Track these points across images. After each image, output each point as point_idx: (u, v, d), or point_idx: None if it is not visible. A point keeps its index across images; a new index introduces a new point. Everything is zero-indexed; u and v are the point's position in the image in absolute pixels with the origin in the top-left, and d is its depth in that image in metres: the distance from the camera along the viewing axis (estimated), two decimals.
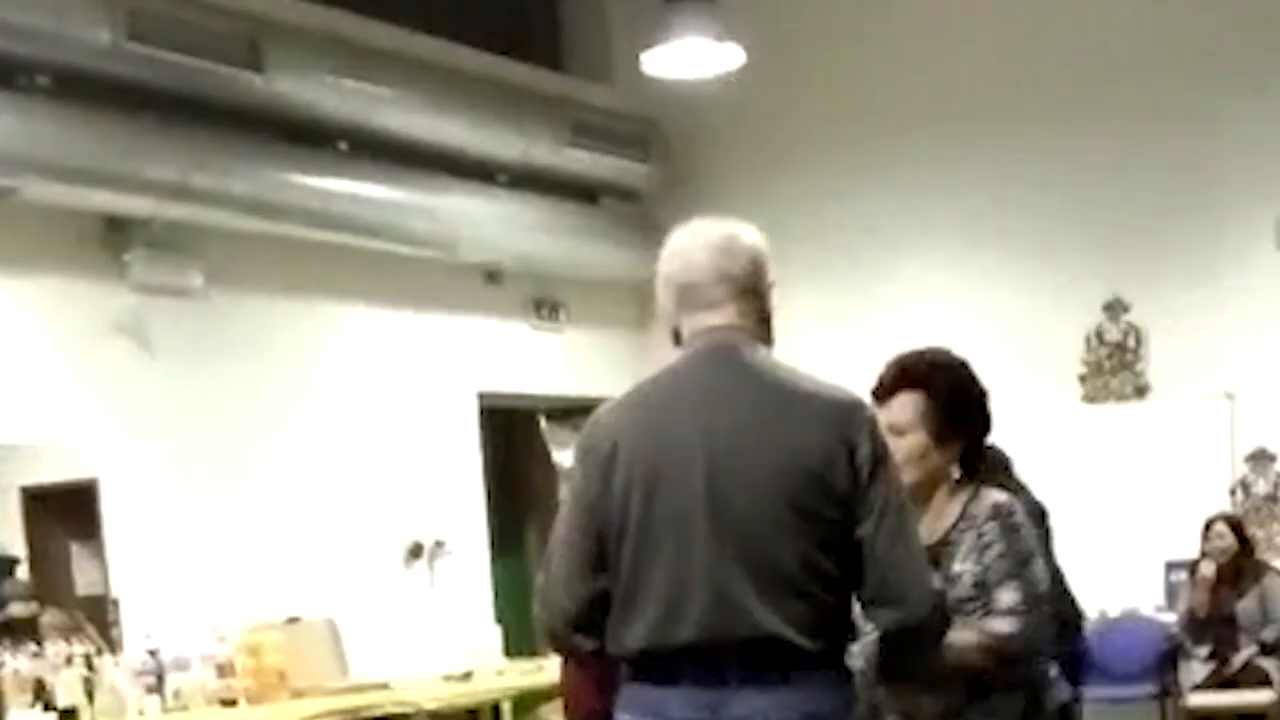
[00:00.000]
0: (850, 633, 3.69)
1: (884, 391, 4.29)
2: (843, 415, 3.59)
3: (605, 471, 3.64)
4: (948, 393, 4.30)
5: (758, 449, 3.55)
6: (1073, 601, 9.46)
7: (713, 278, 3.73)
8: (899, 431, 4.16)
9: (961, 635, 4.02)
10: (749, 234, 3.84)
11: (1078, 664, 9.69)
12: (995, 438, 4.37)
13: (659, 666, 3.58)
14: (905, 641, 3.67)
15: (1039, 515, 9.36)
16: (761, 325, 3.78)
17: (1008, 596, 4.14)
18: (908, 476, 3.96)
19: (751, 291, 3.77)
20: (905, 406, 4.26)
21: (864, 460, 3.55)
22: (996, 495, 4.29)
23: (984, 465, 9.57)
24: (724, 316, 3.73)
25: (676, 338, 3.81)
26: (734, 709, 3.51)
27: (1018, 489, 9.48)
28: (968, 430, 4.33)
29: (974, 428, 4.37)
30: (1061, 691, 4.38)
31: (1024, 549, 4.23)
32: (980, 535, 4.19)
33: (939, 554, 4.12)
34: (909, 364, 4.36)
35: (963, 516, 4.23)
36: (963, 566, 4.17)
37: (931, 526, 4.18)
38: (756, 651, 3.50)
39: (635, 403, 3.75)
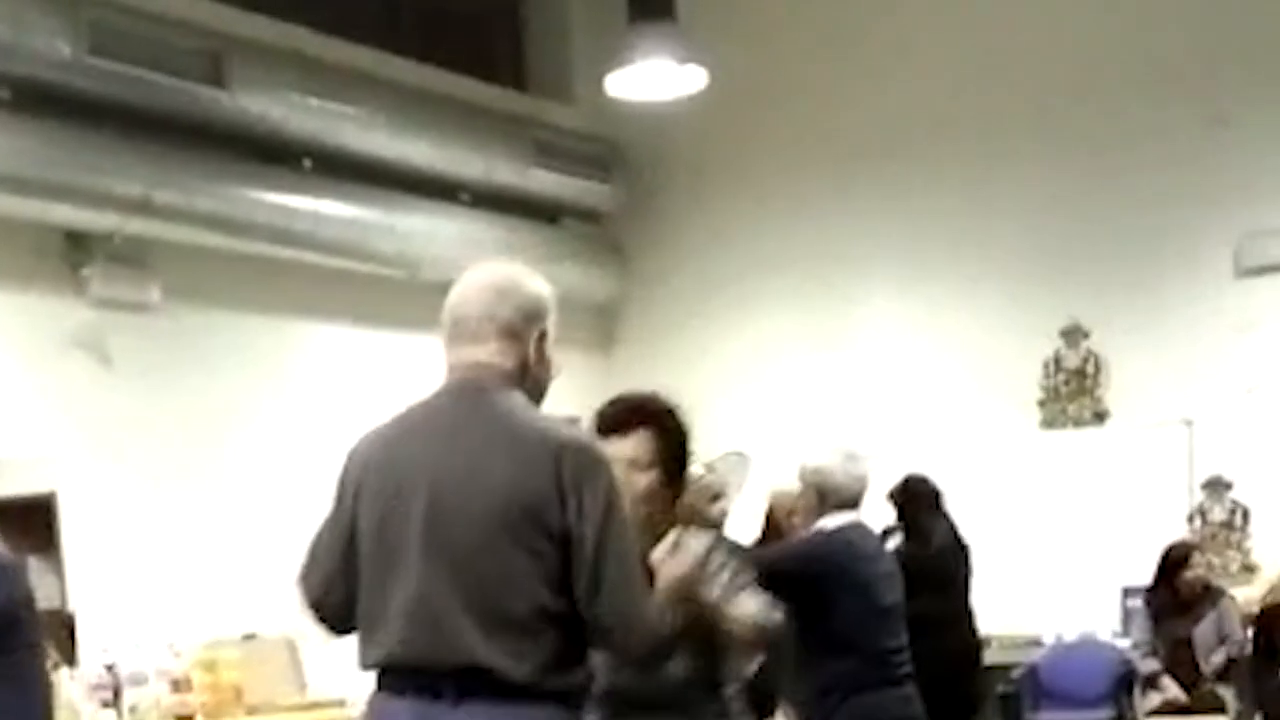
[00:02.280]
0: (578, 666, 3.75)
1: (616, 426, 4.37)
2: (567, 454, 3.68)
3: (351, 499, 3.85)
4: (679, 435, 4.41)
5: (479, 485, 3.65)
6: (974, 633, 9.55)
7: (478, 315, 3.85)
8: (640, 467, 4.27)
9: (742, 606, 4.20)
10: (534, 283, 3.95)
11: (971, 704, 9.69)
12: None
13: (391, 680, 3.75)
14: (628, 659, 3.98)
15: (962, 550, 9.43)
16: (520, 369, 3.86)
17: (754, 601, 4.29)
18: (643, 509, 4.12)
19: (514, 336, 3.86)
20: (644, 442, 4.34)
21: (587, 498, 3.64)
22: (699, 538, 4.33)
23: (909, 497, 9.64)
24: (481, 354, 3.84)
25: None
26: None
27: (939, 525, 9.54)
28: (681, 474, 4.44)
29: (683, 474, 4.48)
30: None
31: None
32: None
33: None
34: (644, 403, 4.47)
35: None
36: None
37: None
38: (472, 677, 3.62)
39: (384, 433, 3.90)
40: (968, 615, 9.48)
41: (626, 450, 4.20)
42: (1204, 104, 11.31)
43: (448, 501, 3.66)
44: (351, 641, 3.94)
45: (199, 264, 10.18)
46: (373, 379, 11.46)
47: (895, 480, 9.33)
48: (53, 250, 9.57)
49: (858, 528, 6.71)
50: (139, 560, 9.71)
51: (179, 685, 8.88)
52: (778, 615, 4.37)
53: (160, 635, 9.19)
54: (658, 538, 4.03)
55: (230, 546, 10.24)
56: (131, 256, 9.80)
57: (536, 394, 3.90)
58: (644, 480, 4.20)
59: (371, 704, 3.85)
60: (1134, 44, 11.61)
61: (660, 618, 3.82)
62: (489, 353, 3.83)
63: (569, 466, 3.65)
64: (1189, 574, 10.58)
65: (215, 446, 10.33)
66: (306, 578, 3.99)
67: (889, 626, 6.65)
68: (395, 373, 11.62)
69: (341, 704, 9.26)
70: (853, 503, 6.69)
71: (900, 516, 9.29)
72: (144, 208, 9.46)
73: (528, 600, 3.61)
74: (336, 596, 3.89)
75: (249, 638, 9.64)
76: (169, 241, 9.89)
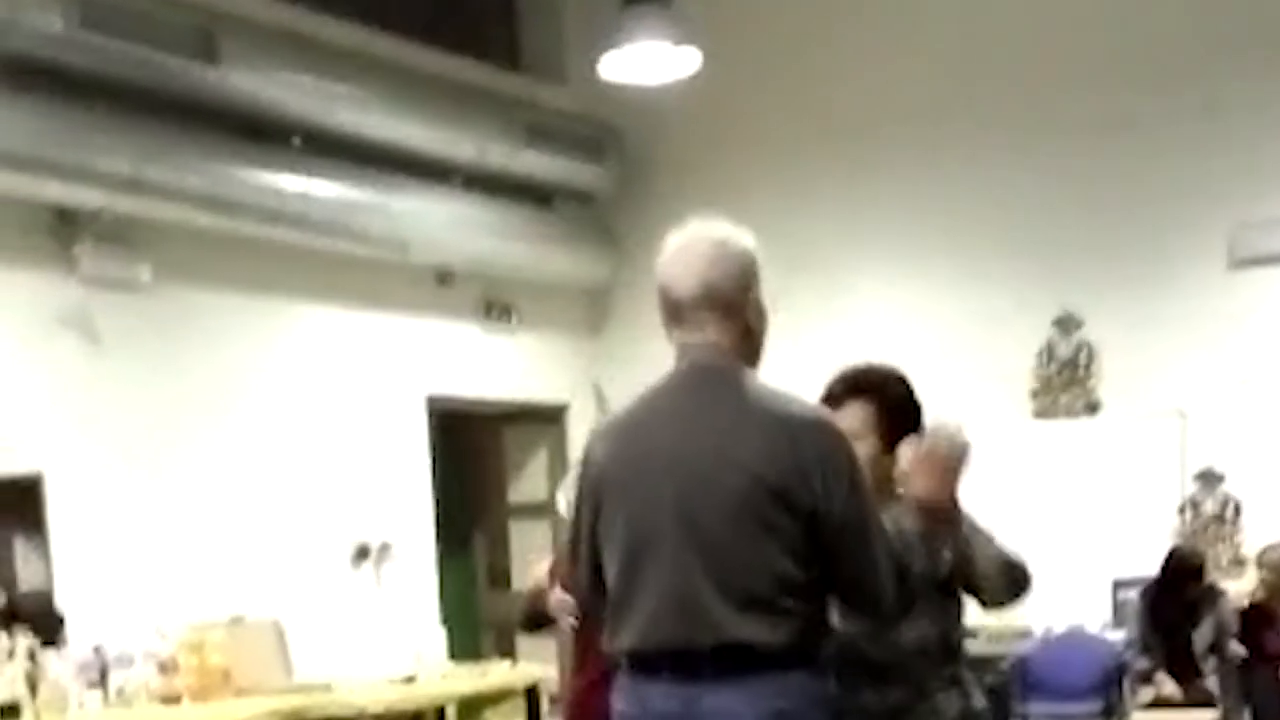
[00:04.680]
0: (824, 633, 3.87)
1: (834, 400, 4.40)
2: (806, 433, 3.75)
3: (593, 494, 3.94)
4: (896, 403, 4.43)
5: (725, 467, 3.72)
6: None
7: (693, 294, 3.87)
8: (855, 437, 4.20)
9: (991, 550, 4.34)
10: (740, 242, 3.98)
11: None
12: None
13: (644, 664, 3.84)
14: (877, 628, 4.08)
15: None
16: (743, 338, 3.91)
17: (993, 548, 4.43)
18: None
19: (733, 307, 3.88)
20: (857, 414, 4.36)
21: (829, 474, 3.72)
22: None
23: None
24: (706, 334, 3.86)
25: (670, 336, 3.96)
26: (706, 703, 3.74)
27: None
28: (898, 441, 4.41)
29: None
30: (980, 698, 4.49)
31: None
32: None
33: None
34: (860, 374, 4.50)
35: None
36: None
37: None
38: (726, 655, 3.71)
39: (620, 424, 3.97)
40: None
41: (843, 422, 4.15)
42: (1198, 94, 11.27)
43: (695, 488, 3.74)
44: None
45: (189, 243, 10.13)
46: (362, 361, 11.44)
47: None
48: (42, 228, 9.51)
49: None
50: (126, 541, 9.68)
51: (166, 667, 8.87)
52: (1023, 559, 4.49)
53: (147, 617, 9.17)
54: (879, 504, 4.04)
55: (218, 528, 10.22)
56: (121, 235, 9.75)
57: (757, 354, 3.96)
58: (859, 450, 4.13)
59: (623, 687, 3.92)
60: (1129, 33, 11.56)
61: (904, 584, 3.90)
62: (714, 332, 3.87)
63: (809, 445, 3.72)
64: (1201, 584, 10.59)
65: (204, 427, 10.29)
66: (578, 578, 4.12)
67: None
68: (384, 355, 11.61)
69: (328, 687, 9.24)
70: None
71: None
72: (134, 185, 9.41)
73: (776, 577, 3.71)
74: (600, 590, 3.97)
75: (236, 620, 9.61)
76: (159, 220, 9.84)
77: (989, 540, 4.41)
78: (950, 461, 4.04)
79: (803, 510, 3.70)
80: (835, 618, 3.95)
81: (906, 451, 4.07)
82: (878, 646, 4.22)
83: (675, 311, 3.90)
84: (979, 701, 4.48)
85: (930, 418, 4.37)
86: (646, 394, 3.95)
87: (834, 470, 3.73)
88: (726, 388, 3.83)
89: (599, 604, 3.98)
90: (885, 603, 3.85)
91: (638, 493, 3.81)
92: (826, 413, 3.97)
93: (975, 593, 4.47)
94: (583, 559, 4.01)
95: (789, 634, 3.73)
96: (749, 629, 3.70)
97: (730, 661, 3.71)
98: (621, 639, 3.87)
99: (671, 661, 3.76)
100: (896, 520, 3.99)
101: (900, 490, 4.17)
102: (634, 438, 3.89)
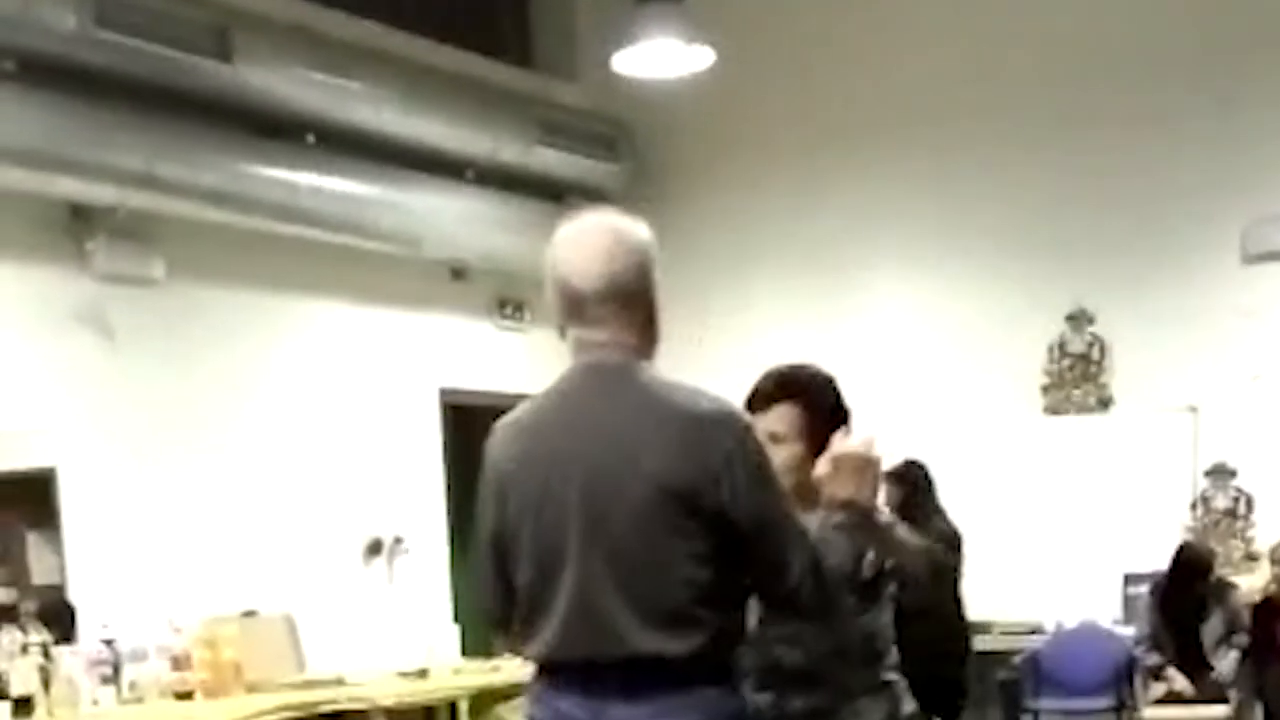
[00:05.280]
0: (738, 641, 3.75)
1: (761, 401, 4.31)
2: (710, 429, 3.59)
3: (497, 499, 3.75)
4: (824, 407, 4.32)
5: (629, 472, 3.58)
6: (963, 619, 9.50)
7: (593, 288, 3.68)
8: (777, 440, 4.18)
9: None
10: (637, 232, 3.78)
11: (957, 689, 9.66)
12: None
13: (554, 674, 3.70)
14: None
15: (955, 541, 9.40)
16: (646, 333, 3.76)
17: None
18: (789, 481, 3.98)
19: (634, 298, 3.73)
20: (783, 417, 4.28)
21: (737, 470, 3.57)
22: None
23: (912, 479, 9.53)
24: (607, 330, 3.70)
25: (563, 332, 3.79)
26: (613, 716, 3.61)
27: (935, 512, 9.50)
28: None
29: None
30: (910, 703, 4.41)
31: None
32: None
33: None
34: (787, 376, 4.39)
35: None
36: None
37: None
38: (634, 668, 3.58)
39: (522, 425, 3.79)
40: (956, 603, 9.43)
41: (768, 425, 4.12)
42: (1213, 90, 11.26)
43: (600, 494, 3.59)
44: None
45: (203, 239, 10.15)
46: (375, 356, 11.46)
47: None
48: (56, 224, 9.54)
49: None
50: (139, 536, 9.70)
51: (179, 662, 8.86)
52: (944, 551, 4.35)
53: (160, 612, 9.18)
54: (803, 509, 3.95)
55: (231, 523, 10.24)
56: (135, 231, 9.77)
57: (656, 348, 3.79)
58: (783, 454, 4.10)
59: (534, 695, 3.79)
60: (1142, 29, 11.56)
61: (826, 578, 3.76)
62: (616, 327, 3.70)
63: (715, 442, 3.56)
64: (1210, 580, 10.60)
65: (217, 422, 10.31)
66: (480, 589, 3.89)
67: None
68: (398, 350, 11.63)
69: (339, 682, 9.25)
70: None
71: (904, 498, 9.24)
72: (148, 182, 9.43)
73: (686, 585, 3.57)
74: (507, 598, 3.79)
75: (249, 614, 9.63)
76: (172, 216, 9.86)
77: (915, 544, 4.19)
78: (864, 462, 3.84)
79: (711, 511, 3.55)
80: (755, 620, 3.87)
81: (824, 459, 3.87)
82: (795, 650, 4.16)
83: (575, 306, 3.70)
84: (908, 706, 4.39)
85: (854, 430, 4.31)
86: (548, 392, 3.79)
87: (743, 465, 3.58)
88: (629, 386, 3.68)
89: (505, 611, 3.81)
90: (804, 599, 3.69)
91: (543, 499, 3.65)
92: (732, 405, 3.77)
93: (901, 592, 4.34)
94: (486, 567, 3.83)
95: (699, 645, 3.58)
96: (657, 641, 3.56)
97: (638, 674, 3.58)
98: (533, 648, 3.73)
99: (580, 673, 3.63)
100: (823, 523, 3.92)
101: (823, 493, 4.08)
102: (537, 440, 3.72)
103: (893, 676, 4.37)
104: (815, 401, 4.32)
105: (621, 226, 3.77)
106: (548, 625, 3.65)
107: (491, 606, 3.87)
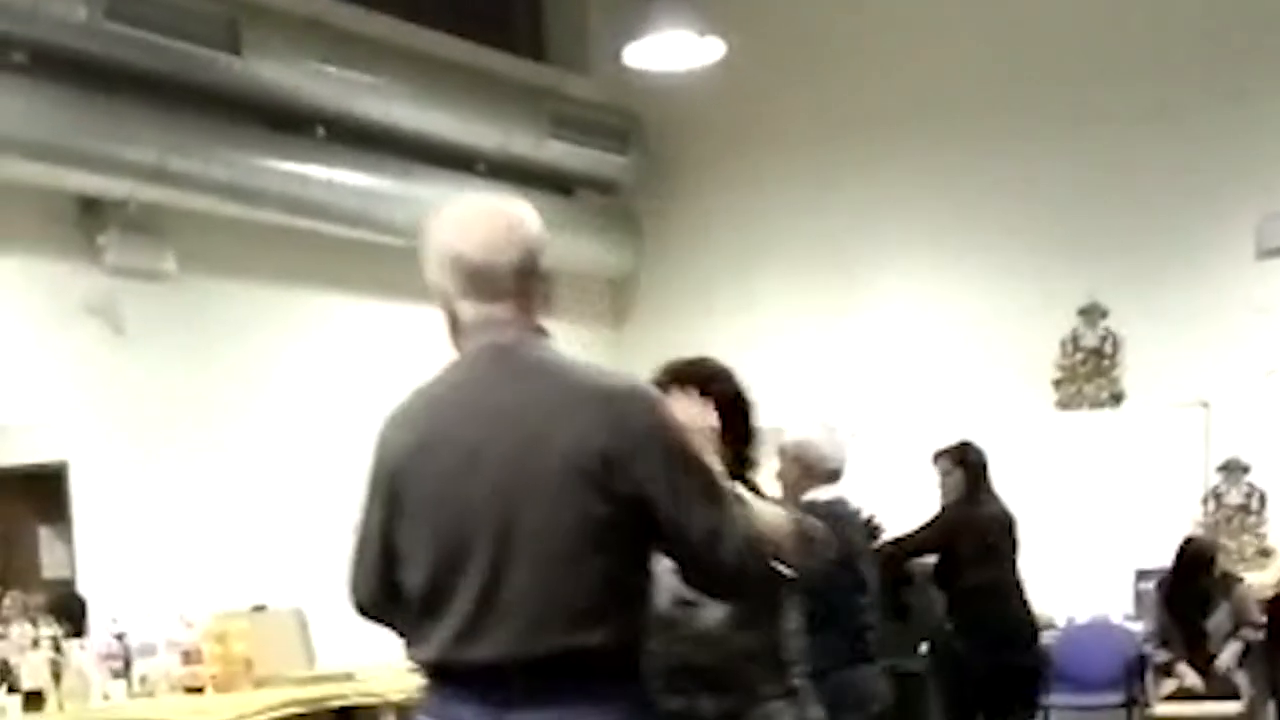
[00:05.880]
0: (647, 637, 3.57)
1: (661, 390, 4.17)
2: (619, 406, 3.43)
3: (387, 491, 3.58)
4: (725, 400, 4.26)
5: (540, 457, 3.39)
6: (1029, 612, 9.46)
7: (493, 263, 3.54)
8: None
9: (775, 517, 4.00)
10: (524, 212, 3.62)
11: (1036, 675, 9.68)
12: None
13: (450, 678, 3.50)
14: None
15: (1008, 524, 9.39)
16: (541, 313, 3.62)
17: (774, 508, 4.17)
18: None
19: (532, 277, 3.58)
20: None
21: (651, 450, 3.40)
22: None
23: (971, 461, 9.57)
24: (509, 308, 3.55)
25: (454, 319, 3.65)
26: None
27: (988, 493, 9.53)
28: (734, 437, 4.27)
29: (742, 436, 4.34)
30: (817, 709, 4.36)
31: None
32: None
33: None
34: (688, 367, 4.34)
35: None
36: None
37: None
38: (542, 669, 3.39)
39: (417, 411, 3.64)
40: (1018, 587, 9.40)
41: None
42: (1227, 84, 11.24)
43: (509, 482, 3.39)
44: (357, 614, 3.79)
45: (214, 233, 10.15)
46: (385, 349, 11.44)
47: (922, 451, 9.44)
48: (67, 217, 9.55)
49: (843, 502, 6.65)
50: (150, 530, 9.71)
51: (190, 656, 8.86)
52: (816, 521, 4.26)
53: (171, 606, 9.18)
54: None
55: (241, 517, 10.24)
56: (146, 224, 9.77)
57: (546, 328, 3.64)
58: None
59: (426, 706, 3.58)
60: (1155, 23, 11.54)
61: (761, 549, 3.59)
62: (515, 305, 3.54)
63: (628, 420, 3.39)
64: (1214, 574, 10.57)
65: (228, 416, 10.31)
66: (356, 580, 3.70)
67: (869, 603, 6.62)
68: (407, 343, 11.61)
69: (350, 677, 9.24)
70: (838, 475, 6.63)
71: (967, 480, 9.34)
72: (158, 175, 9.43)
73: (598, 575, 3.37)
74: (389, 595, 3.61)
75: (259, 609, 9.62)
76: (183, 210, 9.86)
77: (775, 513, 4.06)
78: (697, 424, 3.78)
79: (627, 494, 3.35)
80: (666, 602, 3.81)
81: None
82: (705, 652, 4.10)
83: (475, 281, 3.54)
84: (815, 714, 4.34)
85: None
86: (444, 375, 3.61)
87: (661, 439, 3.41)
88: (536, 364, 3.52)
89: (389, 611, 3.64)
90: (742, 569, 3.48)
91: (444, 493, 3.45)
92: (642, 381, 3.66)
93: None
94: (370, 563, 3.63)
95: (609, 641, 3.39)
96: (567, 637, 3.37)
97: (544, 676, 3.38)
98: (424, 651, 3.51)
99: (480, 678, 3.41)
100: None
101: None
102: (434, 429, 3.53)
103: (801, 683, 4.32)
104: (714, 394, 4.23)
105: (513, 209, 3.62)
106: (445, 625, 3.45)
107: (366, 604, 3.70)
